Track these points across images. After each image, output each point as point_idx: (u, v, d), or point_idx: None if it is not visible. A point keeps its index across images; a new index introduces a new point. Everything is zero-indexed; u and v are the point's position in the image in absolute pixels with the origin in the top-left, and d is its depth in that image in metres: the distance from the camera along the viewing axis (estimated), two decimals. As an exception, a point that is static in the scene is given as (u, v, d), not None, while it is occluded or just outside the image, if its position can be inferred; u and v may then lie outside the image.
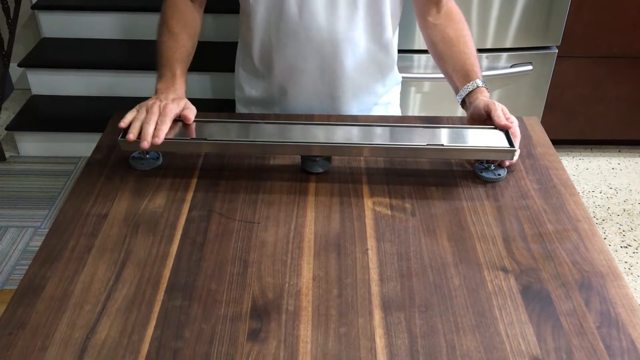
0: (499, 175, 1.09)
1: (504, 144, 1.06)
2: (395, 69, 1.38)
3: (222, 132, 1.11)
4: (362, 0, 1.17)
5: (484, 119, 1.12)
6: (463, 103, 1.19)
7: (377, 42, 1.25)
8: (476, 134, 1.09)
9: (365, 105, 1.33)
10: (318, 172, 1.10)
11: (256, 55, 1.28)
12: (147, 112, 1.07)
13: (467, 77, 1.18)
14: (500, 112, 1.09)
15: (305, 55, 1.23)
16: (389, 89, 1.38)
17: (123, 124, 1.07)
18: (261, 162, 1.14)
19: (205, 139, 1.07)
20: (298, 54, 1.23)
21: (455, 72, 1.20)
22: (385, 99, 1.38)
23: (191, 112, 1.12)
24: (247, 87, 1.37)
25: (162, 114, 1.07)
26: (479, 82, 1.17)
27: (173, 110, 1.08)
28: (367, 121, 1.25)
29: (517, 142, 1.08)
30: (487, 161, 1.10)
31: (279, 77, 1.28)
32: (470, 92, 1.17)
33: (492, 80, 2.33)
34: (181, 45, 1.20)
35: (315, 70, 1.25)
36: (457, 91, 1.20)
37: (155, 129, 1.05)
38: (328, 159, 1.11)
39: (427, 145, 1.06)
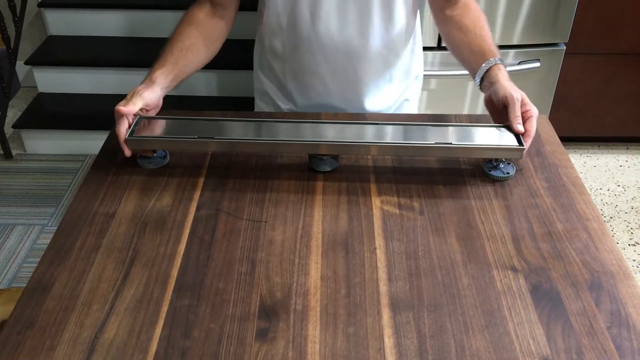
0: (508, 173, 1.08)
1: (513, 142, 1.06)
2: (415, 73, 1.36)
3: (229, 130, 1.10)
4: (375, 6, 1.17)
5: (501, 109, 1.10)
6: (481, 83, 1.15)
7: (390, 48, 1.24)
8: (484, 132, 1.09)
9: (379, 108, 1.32)
10: (325, 171, 1.09)
11: (270, 57, 1.28)
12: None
13: (484, 56, 1.15)
14: (518, 110, 1.06)
15: (318, 59, 1.22)
16: (406, 94, 1.36)
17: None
18: (268, 160, 1.13)
19: (212, 137, 1.07)
20: (310, 58, 1.22)
21: (472, 55, 1.18)
22: (401, 103, 1.36)
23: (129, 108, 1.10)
24: (264, 82, 1.36)
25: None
26: (496, 59, 1.14)
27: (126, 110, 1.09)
28: (375, 119, 1.24)
29: (527, 143, 1.06)
30: (496, 159, 1.09)
31: (291, 81, 1.28)
32: (487, 70, 1.13)
33: (499, 77, 2.32)
34: (175, 47, 1.18)
35: (327, 75, 1.24)
36: (474, 73, 1.17)
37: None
38: (335, 157, 1.10)
39: (435, 143, 1.05)
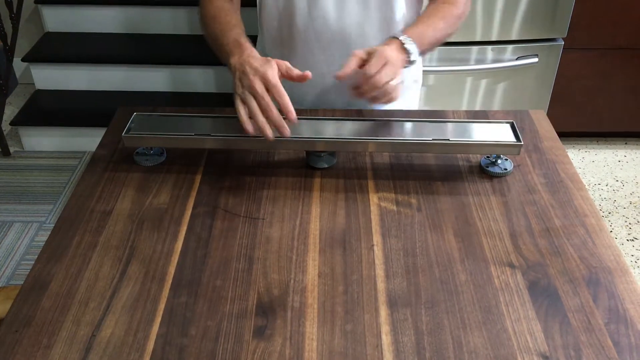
0: (506, 169, 1.08)
1: (511, 138, 1.05)
2: (413, 77, 1.35)
3: (226, 127, 1.10)
4: None
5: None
6: None
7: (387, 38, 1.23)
8: (482, 128, 1.08)
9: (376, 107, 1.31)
10: (323, 168, 1.09)
11: (268, 50, 1.28)
12: (254, 95, 0.97)
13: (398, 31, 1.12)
14: (375, 63, 0.99)
15: (314, 50, 1.22)
16: (405, 89, 1.35)
17: (250, 128, 0.98)
18: (266, 157, 1.13)
19: (209, 135, 1.07)
20: (307, 48, 1.22)
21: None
22: (403, 101, 1.35)
23: (285, 64, 1.02)
24: None
25: (269, 86, 0.97)
26: (398, 34, 1.08)
27: (274, 74, 0.98)
28: (373, 116, 1.24)
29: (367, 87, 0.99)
30: (494, 155, 1.09)
31: None
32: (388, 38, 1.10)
33: (497, 73, 2.32)
34: (234, 25, 1.12)
35: (324, 67, 1.24)
36: None
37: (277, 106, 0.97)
38: (333, 154, 1.10)
39: (433, 140, 1.05)
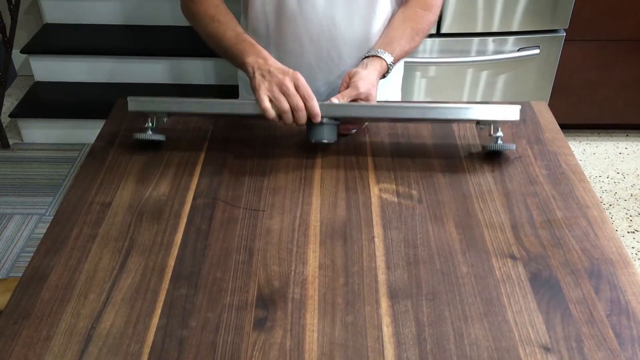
0: (506, 147, 1.07)
1: (510, 109, 1.06)
2: (396, 67, 1.37)
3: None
4: None
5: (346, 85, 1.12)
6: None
7: (372, 31, 1.24)
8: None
9: None
10: (323, 143, 1.06)
11: (255, 41, 1.27)
12: (285, 93, 1.02)
13: (374, 45, 1.19)
14: (350, 92, 1.08)
15: (303, 41, 1.22)
16: (388, 78, 1.36)
17: (274, 115, 1.03)
18: (266, 149, 1.13)
19: (213, 99, 1.08)
20: (295, 40, 1.22)
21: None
22: (384, 89, 1.36)
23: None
24: None
25: (299, 85, 1.02)
26: (375, 51, 1.16)
27: (302, 77, 1.03)
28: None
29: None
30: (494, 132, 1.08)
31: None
32: (365, 57, 1.16)
33: (498, 64, 2.31)
34: (234, 24, 1.16)
35: (311, 57, 1.24)
36: None
37: (305, 106, 1.02)
38: (334, 128, 1.07)
39: (432, 101, 1.06)
